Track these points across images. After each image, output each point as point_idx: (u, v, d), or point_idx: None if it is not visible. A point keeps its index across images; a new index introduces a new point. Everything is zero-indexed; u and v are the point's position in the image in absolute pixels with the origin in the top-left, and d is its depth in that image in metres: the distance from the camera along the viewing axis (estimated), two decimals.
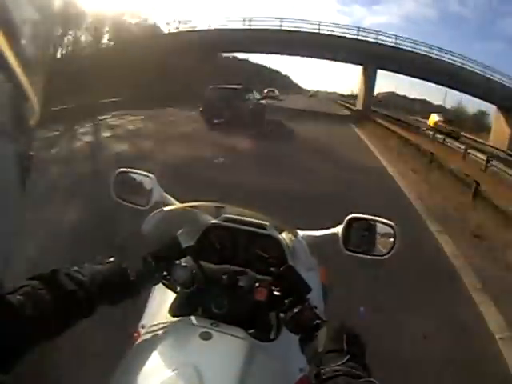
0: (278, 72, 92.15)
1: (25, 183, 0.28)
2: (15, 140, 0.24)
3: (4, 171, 0.24)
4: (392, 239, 1.06)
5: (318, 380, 0.69)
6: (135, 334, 1.05)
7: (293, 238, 1.15)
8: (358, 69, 33.10)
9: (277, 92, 39.38)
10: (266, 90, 34.98)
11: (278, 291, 0.91)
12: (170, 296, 1.05)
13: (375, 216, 1.10)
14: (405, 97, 76.24)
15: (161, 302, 1.09)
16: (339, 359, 0.70)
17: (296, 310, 0.83)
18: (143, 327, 1.04)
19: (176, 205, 1.16)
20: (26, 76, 0.25)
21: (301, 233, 1.18)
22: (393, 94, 78.40)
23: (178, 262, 0.97)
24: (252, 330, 0.98)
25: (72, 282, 0.76)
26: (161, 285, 0.98)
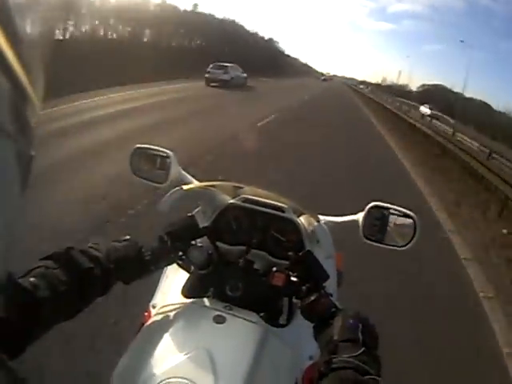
0: (296, 59, 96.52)
1: (25, 183, 0.28)
2: (15, 140, 0.23)
3: (4, 171, 0.23)
4: (412, 230, 1.04)
5: (327, 368, 0.68)
6: (145, 314, 1.04)
7: (313, 223, 1.12)
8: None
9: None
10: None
11: (295, 277, 0.89)
12: (183, 276, 1.04)
13: (397, 206, 1.08)
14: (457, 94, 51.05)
15: (173, 281, 1.07)
16: (353, 350, 0.69)
17: (313, 298, 0.82)
18: (154, 307, 1.02)
19: (194, 183, 1.14)
20: (26, 76, 0.24)
21: (321, 218, 1.15)
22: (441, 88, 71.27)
23: (193, 242, 0.95)
24: (264, 314, 0.97)
25: (87, 259, 0.75)
26: (174, 264, 0.97)
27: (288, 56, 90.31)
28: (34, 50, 0.32)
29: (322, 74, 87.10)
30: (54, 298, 0.66)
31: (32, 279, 0.64)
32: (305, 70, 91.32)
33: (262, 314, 0.96)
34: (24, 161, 0.32)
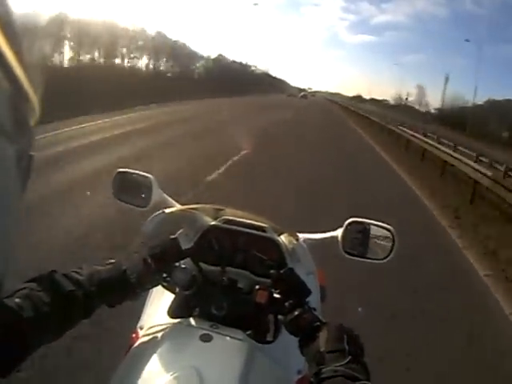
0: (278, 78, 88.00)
1: (25, 183, 0.28)
2: (15, 140, 0.24)
3: (4, 171, 0.24)
4: (390, 243, 1.08)
5: (317, 379, 0.70)
6: (133, 336, 1.04)
7: (292, 241, 1.15)
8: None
9: None
10: None
11: (277, 294, 0.91)
12: (169, 297, 1.05)
13: (374, 220, 1.12)
14: None
15: (159, 303, 1.08)
16: (341, 359, 0.71)
17: (296, 313, 0.84)
18: (141, 328, 1.03)
19: (176, 207, 1.16)
20: (26, 76, 0.25)
21: (301, 235, 1.18)
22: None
23: (177, 264, 0.96)
24: (251, 332, 0.99)
25: (70, 282, 0.75)
26: (159, 286, 0.98)
27: (268, 75, 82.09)
28: (34, 51, 0.33)
29: (301, 90, 76.32)
30: (39, 319, 0.66)
31: (17, 300, 0.65)
32: (278, 86, 78.75)
33: (248, 332, 0.97)
34: (24, 161, 0.32)
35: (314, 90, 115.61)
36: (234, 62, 62.91)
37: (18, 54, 0.28)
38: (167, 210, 1.04)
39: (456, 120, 40.12)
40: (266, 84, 65.33)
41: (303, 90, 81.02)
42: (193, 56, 48.96)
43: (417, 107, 71.06)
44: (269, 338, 1.03)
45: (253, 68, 71.68)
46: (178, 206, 1.17)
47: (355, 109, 37.29)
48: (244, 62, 67.56)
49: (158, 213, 1.01)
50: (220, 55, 60.34)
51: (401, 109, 63.89)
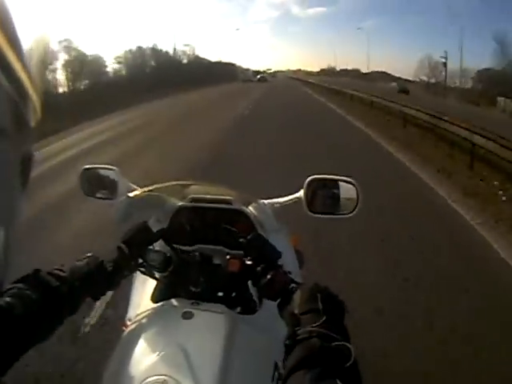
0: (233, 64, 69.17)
1: (25, 183, 0.29)
2: (15, 140, 0.24)
3: (4, 171, 0.24)
4: (355, 196, 1.07)
5: (292, 341, 0.68)
6: (123, 328, 1.05)
7: (258, 208, 1.16)
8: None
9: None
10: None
11: (249, 261, 0.93)
12: (151, 284, 1.07)
13: (335, 175, 1.11)
14: None
15: (143, 291, 1.10)
16: (315, 320, 0.70)
17: (269, 276, 0.85)
18: (130, 320, 1.05)
19: (140, 190, 1.16)
20: (26, 76, 0.25)
21: (266, 202, 1.19)
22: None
23: (151, 247, 0.98)
24: (234, 305, 1.01)
25: (54, 279, 0.77)
26: (140, 275, 0.99)
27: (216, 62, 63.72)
28: (34, 51, 0.33)
29: (258, 72, 63.56)
30: (29, 317, 0.68)
31: (8, 299, 0.67)
32: (229, 73, 58.99)
33: (233, 307, 0.99)
34: (24, 160, 0.32)
35: (273, 70, 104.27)
36: (155, 49, 44.58)
37: (18, 54, 0.28)
38: (131, 194, 1.05)
39: None
40: (216, 73, 51.15)
41: (259, 72, 68.74)
42: None
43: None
44: (252, 309, 1.04)
45: (190, 55, 56.11)
46: (141, 190, 1.16)
47: (318, 82, 32.84)
48: (180, 50, 52.80)
49: (121, 199, 1.02)
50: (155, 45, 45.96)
51: (373, 76, 61.44)
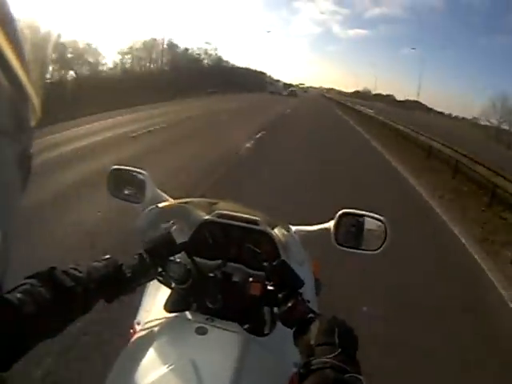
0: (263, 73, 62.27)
1: (25, 183, 0.29)
2: (15, 140, 0.24)
3: (4, 171, 0.24)
4: (383, 234, 1.08)
5: (306, 370, 0.70)
6: (131, 331, 1.06)
7: (285, 233, 1.16)
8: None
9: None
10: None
11: (271, 286, 0.92)
12: (165, 292, 1.07)
13: (366, 211, 1.12)
14: None
15: (155, 298, 1.10)
16: (330, 352, 0.71)
17: (290, 305, 0.84)
18: (139, 324, 1.05)
19: (169, 201, 1.17)
20: (27, 76, 0.25)
21: (293, 228, 1.19)
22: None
23: (172, 258, 0.98)
24: (247, 325, 1.00)
25: (69, 278, 0.77)
26: (155, 281, 0.99)
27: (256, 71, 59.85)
28: (34, 51, 0.32)
29: (289, 86, 59.11)
30: (39, 315, 0.68)
31: (19, 295, 0.66)
32: (256, 81, 52.93)
33: (245, 326, 0.98)
34: (24, 160, 0.32)
35: (306, 85, 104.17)
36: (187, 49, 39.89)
37: (18, 54, 0.28)
38: (160, 205, 1.06)
39: None
40: (240, 80, 45.16)
41: (291, 85, 63.78)
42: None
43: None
44: (265, 331, 1.04)
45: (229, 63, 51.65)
46: (171, 201, 1.18)
47: (354, 105, 30.02)
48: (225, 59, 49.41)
49: (151, 207, 1.03)
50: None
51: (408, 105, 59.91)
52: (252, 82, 50.97)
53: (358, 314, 2.81)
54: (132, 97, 16.04)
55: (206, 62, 44.71)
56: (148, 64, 32.02)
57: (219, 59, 48.22)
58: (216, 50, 48.09)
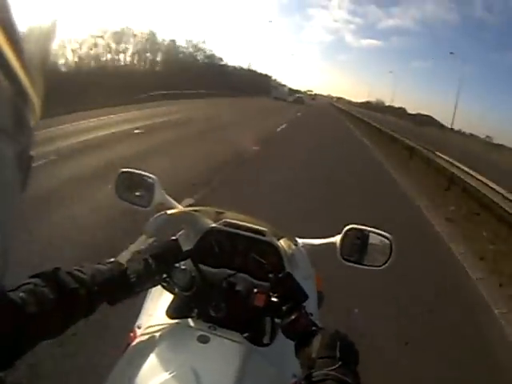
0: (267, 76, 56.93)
1: (25, 183, 0.29)
2: (15, 140, 0.25)
3: (4, 171, 0.24)
4: (388, 249, 1.08)
5: (308, 382, 0.71)
6: (131, 334, 1.06)
7: (291, 246, 1.16)
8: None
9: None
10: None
11: (275, 297, 0.92)
12: (168, 297, 1.07)
13: (373, 227, 1.12)
14: None
15: (158, 302, 1.10)
16: (331, 365, 0.72)
17: (293, 317, 0.85)
18: (139, 327, 1.05)
19: (178, 208, 1.18)
20: (27, 76, 0.26)
21: (300, 241, 1.19)
22: None
23: (177, 264, 0.98)
24: (248, 334, 1.00)
25: (73, 279, 0.77)
26: (159, 286, 0.99)
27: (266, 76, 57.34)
28: (34, 51, 0.32)
29: (296, 92, 57.38)
30: (41, 315, 0.67)
31: (21, 294, 0.66)
32: (260, 85, 48.61)
33: (245, 335, 0.99)
34: (24, 161, 0.33)
35: (314, 92, 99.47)
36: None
37: (18, 54, 0.28)
38: (169, 212, 1.06)
39: None
40: (241, 82, 41.11)
41: (298, 91, 61.79)
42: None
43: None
44: (266, 341, 1.04)
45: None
46: (179, 207, 1.19)
47: (368, 119, 24.85)
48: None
49: (159, 213, 1.03)
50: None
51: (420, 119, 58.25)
52: (255, 85, 46.74)
53: None
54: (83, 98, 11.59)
55: (198, 58, 37.75)
56: (116, 57, 25.68)
57: (212, 56, 41.00)
58: (204, 42, 41.10)
